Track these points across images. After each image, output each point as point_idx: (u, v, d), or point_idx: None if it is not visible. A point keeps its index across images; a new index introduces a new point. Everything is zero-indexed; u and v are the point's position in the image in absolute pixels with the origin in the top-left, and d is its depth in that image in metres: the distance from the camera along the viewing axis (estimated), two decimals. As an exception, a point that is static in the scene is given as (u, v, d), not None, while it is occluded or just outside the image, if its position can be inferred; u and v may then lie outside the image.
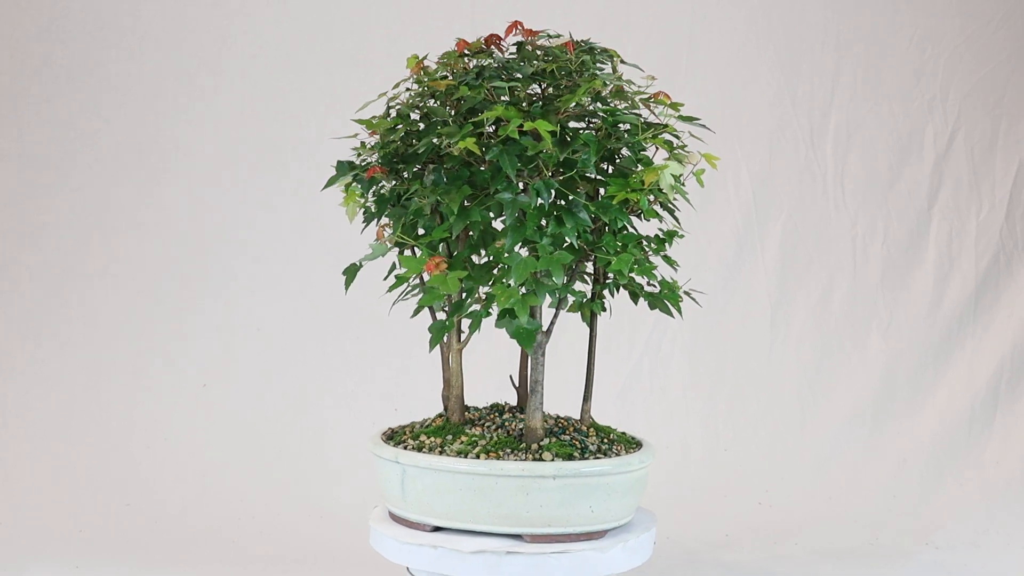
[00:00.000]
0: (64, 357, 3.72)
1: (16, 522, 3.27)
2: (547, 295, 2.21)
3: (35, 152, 3.82)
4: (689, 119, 2.33)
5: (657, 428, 3.69)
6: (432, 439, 2.39)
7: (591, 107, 2.29)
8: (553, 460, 2.28)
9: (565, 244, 2.23)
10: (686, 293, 2.44)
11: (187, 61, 3.85)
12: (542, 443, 2.32)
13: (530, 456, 2.29)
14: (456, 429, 2.41)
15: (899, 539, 3.24)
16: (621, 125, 2.30)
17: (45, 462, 3.52)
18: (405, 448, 2.37)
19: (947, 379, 3.79)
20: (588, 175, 2.32)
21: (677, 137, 2.36)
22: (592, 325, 2.45)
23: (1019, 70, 3.97)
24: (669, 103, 2.30)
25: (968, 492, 3.49)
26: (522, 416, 2.45)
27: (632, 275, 2.28)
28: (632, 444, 2.43)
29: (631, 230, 2.37)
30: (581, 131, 2.29)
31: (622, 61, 2.40)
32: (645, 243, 2.33)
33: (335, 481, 3.47)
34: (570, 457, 2.29)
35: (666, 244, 2.36)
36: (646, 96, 2.33)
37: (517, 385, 2.50)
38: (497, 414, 2.47)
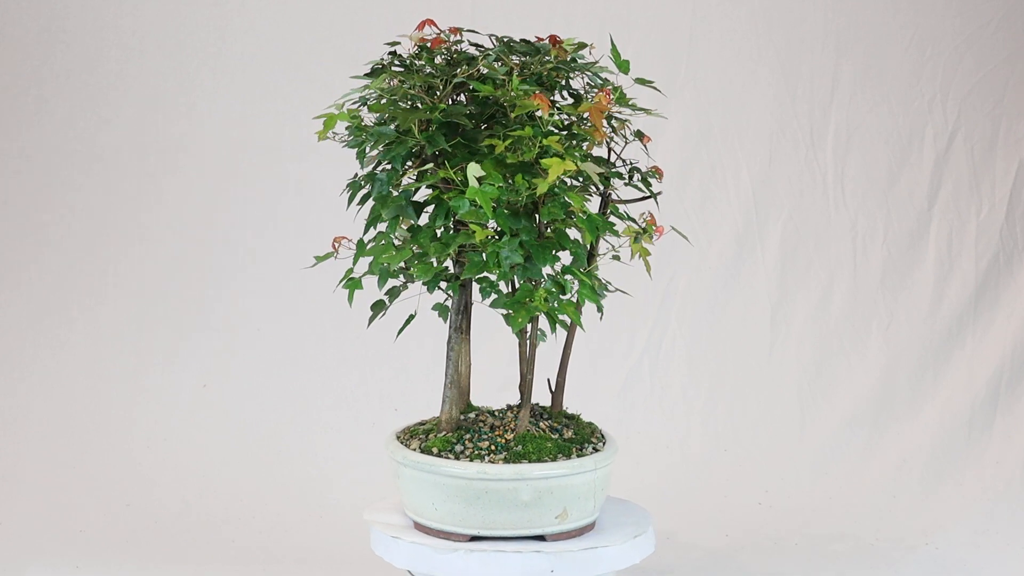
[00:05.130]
0: (64, 357, 3.72)
1: (16, 522, 3.27)
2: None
3: (35, 152, 3.82)
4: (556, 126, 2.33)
5: (657, 428, 3.69)
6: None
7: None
8: (415, 450, 2.39)
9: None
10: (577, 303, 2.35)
11: (187, 61, 3.86)
12: (439, 434, 2.43)
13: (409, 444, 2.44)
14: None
15: (899, 539, 3.24)
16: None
17: (45, 462, 3.52)
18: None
19: (947, 379, 3.78)
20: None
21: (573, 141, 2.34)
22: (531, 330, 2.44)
23: (1019, 70, 3.96)
24: (537, 105, 2.24)
25: (968, 492, 3.49)
26: (543, 414, 2.54)
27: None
28: (553, 457, 2.37)
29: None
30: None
31: (567, 60, 2.38)
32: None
33: (335, 481, 3.47)
34: (427, 451, 2.38)
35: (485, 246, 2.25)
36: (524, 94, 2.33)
37: (552, 389, 2.55)
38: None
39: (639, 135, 2.49)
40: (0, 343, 3.74)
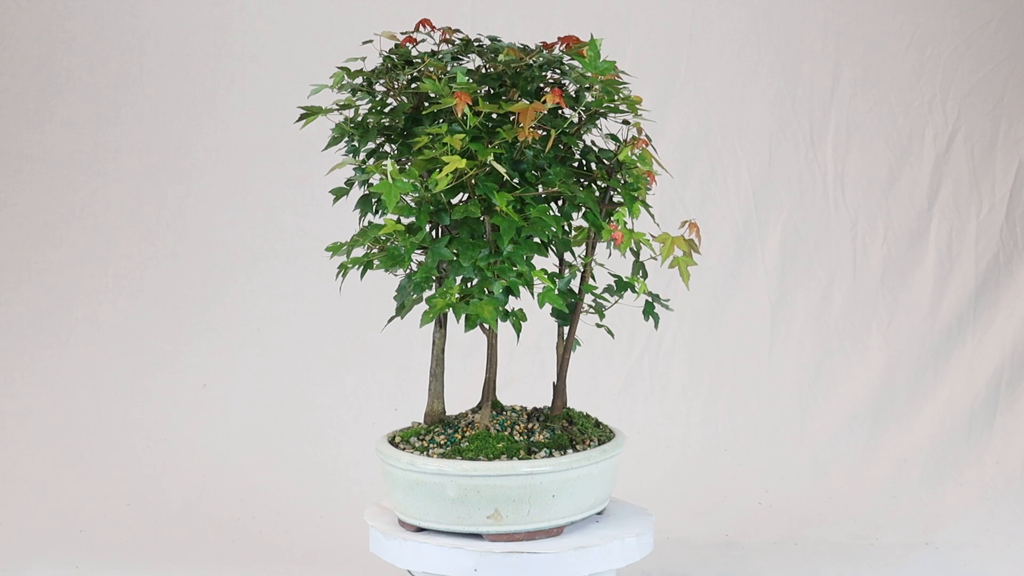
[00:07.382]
0: (64, 357, 3.72)
1: (16, 522, 3.27)
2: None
3: (35, 152, 3.82)
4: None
5: (657, 428, 3.69)
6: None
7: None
8: (387, 440, 2.49)
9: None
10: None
11: (187, 61, 3.85)
12: (419, 424, 2.53)
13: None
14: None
15: (899, 539, 3.24)
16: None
17: (45, 462, 3.52)
18: None
19: (947, 379, 3.79)
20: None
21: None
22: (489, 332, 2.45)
23: (1019, 70, 3.97)
24: (453, 102, 2.27)
25: (968, 492, 3.49)
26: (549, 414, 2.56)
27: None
28: (491, 457, 2.36)
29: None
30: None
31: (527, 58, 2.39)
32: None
33: (335, 481, 3.47)
34: (391, 441, 2.48)
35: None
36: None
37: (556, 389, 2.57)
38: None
39: (636, 139, 2.47)
40: (0, 343, 3.74)
